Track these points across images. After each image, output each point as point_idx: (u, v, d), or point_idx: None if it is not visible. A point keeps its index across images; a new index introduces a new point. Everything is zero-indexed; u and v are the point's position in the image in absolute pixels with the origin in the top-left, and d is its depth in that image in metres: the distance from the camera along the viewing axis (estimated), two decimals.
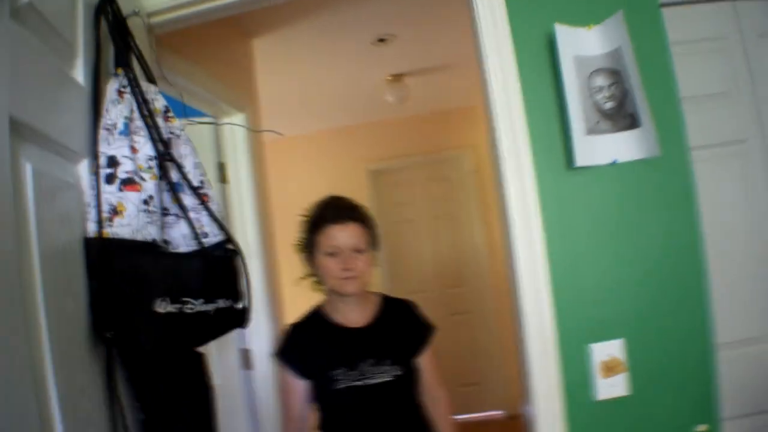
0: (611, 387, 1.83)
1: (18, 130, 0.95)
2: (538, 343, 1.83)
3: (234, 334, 2.62)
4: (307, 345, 1.90)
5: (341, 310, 1.91)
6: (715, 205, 1.99)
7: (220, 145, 2.84)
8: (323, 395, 1.85)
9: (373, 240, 1.90)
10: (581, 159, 1.69)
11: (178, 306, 1.16)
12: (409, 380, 1.90)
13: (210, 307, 1.23)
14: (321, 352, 1.87)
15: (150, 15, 1.81)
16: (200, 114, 2.81)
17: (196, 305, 1.19)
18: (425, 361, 1.97)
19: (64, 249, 1.06)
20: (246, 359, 2.76)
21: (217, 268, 1.29)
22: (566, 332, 1.83)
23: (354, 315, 1.91)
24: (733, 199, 2.09)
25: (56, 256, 1.03)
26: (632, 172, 1.79)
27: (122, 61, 1.33)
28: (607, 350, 1.83)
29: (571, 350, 1.84)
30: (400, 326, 1.95)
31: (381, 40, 3.71)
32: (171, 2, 1.83)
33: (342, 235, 1.80)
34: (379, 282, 5.25)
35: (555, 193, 1.81)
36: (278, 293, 3.08)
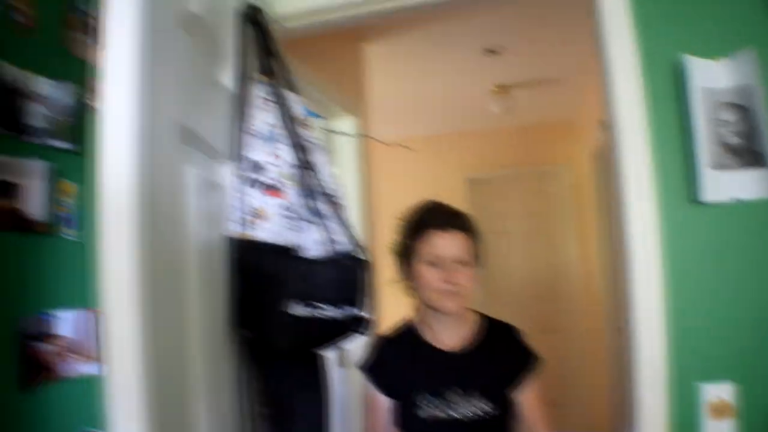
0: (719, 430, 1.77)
1: (183, 134, 1.01)
2: (648, 376, 1.78)
3: None
4: (394, 362, 1.71)
5: (434, 328, 1.70)
6: None
7: (328, 148, 2.90)
8: (405, 420, 1.65)
9: (478, 253, 1.69)
10: (707, 193, 1.64)
11: (309, 310, 1.20)
12: (502, 419, 1.66)
13: (338, 313, 1.26)
14: (407, 371, 1.68)
15: (284, 20, 1.87)
16: (313, 115, 2.87)
17: (326, 310, 1.22)
18: (527, 397, 1.71)
19: (211, 246, 1.12)
20: (342, 358, 2.81)
21: (346, 276, 1.33)
22: (677, 369, 1.78)
23: (448, 335, 1.70)
24: None
25: (205, 253, 1.08)
26: (756, 211, 1.72)
27: (266, 68, 1.38)
28: (716, 392, 1.77)
29: (678, 388, 1.78)
30: (499, 353, 1.70)
31: (490, 51, 3.71)
32: (305, 9, 1.88)
33: (447, 245, 1.60)
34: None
35: (676, 226, 1.75)
36: (377, 299, 3.12)
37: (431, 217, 1.67)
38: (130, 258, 0.81)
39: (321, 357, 1.42)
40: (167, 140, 0.96)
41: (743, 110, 1.65)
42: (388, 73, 3.92)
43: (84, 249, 1.58)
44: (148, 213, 0.85)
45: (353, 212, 2.87)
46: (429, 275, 1.59)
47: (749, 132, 1.65)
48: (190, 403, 0.98)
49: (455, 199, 5.29)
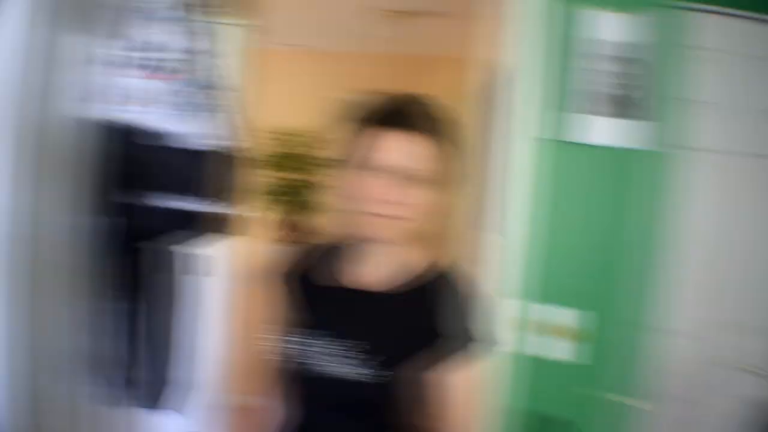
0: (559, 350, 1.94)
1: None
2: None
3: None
4: (307, 279, 1.26)
5: (352, 257, 1.24)
6: (692, 205, 2.04)
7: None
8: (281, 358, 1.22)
9: (450, 172, 1.18)
10: (576, 136, 1.76)
11: (169, 200, 1.16)
12: (386, 396, 1.14)
13: (201, 206, 1.23)
14: (311, 300, 1.24)
15: None
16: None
17: (188, 202, 1.19)
18: (446, 387, 1.15)
19: (79, 126, 1.03)
20: (206, 264, 2.75)
21: (217, 170, 1.28)
22: (528, 294, 1.91)
23: (370, 269, 1.22)
24: (709, 203, 2.14)
25: (71, 133, 1.00)
26: (621, 158, 1.86)
27: None
28: (560, 315, 1.93)
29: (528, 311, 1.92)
30: (426, 310, 1.18)
31: None
32: None
33: (394, 148, 1.11)
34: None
35: (545, 163, 1.85)
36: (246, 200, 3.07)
37: (384, 109, 1.18)
38: None
39: (180, 252, 1.38)
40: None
41: (629, 64, 1.75)
42: None
43: None
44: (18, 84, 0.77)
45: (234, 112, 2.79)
46: (358, 186, 1.12)
47: (632, 85, 1.76)
48: (42, 291, 0.93)
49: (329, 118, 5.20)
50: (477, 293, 1.22)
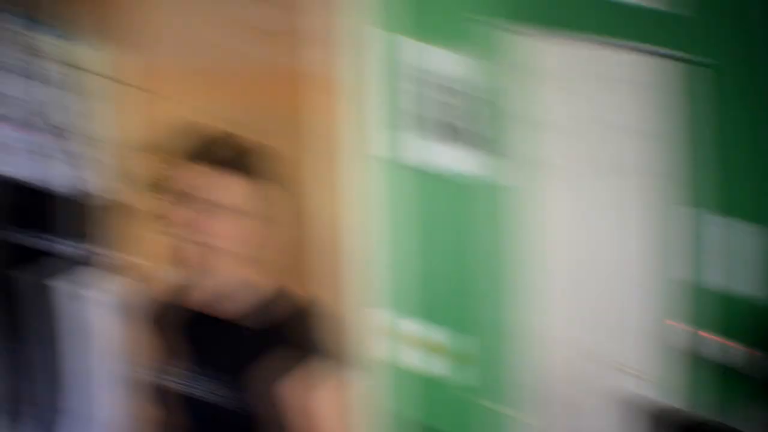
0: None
1: None
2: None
3: None
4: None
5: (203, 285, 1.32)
6: (544, 220, 2.17)
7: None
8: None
9: (266, 205, 1.27)
10: (407, 158, 1.87)
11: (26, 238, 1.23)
12: (247, 416, 1.21)
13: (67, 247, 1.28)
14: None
15: None
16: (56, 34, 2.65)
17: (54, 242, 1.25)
18: (308, 402, 1.20)
19: None
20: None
21: (81, 210, 1.36)
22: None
23: (217, 297, 1.31)
24: (558, 217, 2.28)
25: None
26: (447, 180, 1.94)
27: None
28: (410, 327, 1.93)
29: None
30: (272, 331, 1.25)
31: None
32: None
33: (205, 183, 1.20)
34: None
35: (377, 183, 1.89)
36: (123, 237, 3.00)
37: (196, 145, 1.25)
38: None
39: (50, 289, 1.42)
40: None
41: (456, 95, 1.87)
42: None
43: None
44: None
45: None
46: (177, 216, 1.20)
47: (457, 115, 1.88)
48: None
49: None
50: (322, 311, 1.28)
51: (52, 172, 1.34)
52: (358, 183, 1.84)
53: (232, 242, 1.22)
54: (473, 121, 1.89)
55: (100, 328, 2.41)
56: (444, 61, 1.88)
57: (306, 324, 1.25)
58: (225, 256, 1.22)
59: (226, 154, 1.23)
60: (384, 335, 1.88)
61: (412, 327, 1.91)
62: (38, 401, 1.34)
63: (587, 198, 2.30)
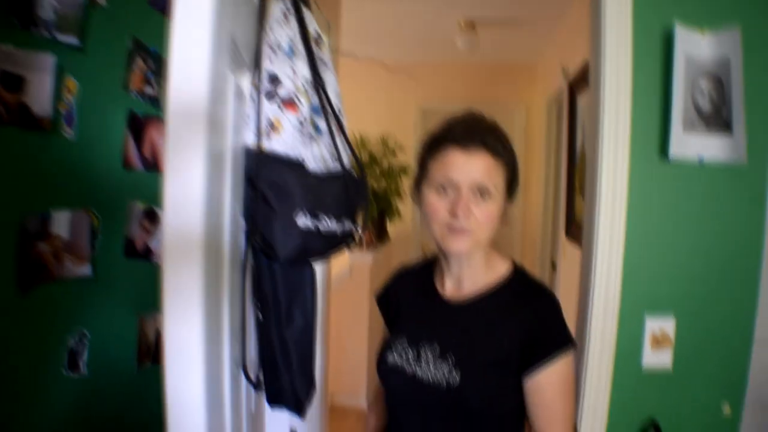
0: (657, 358, 1.97)
1: (232, 46, 1.03)
2: (601, 307, 1.94)
3: None
4: (399, 296, 1.53)
5: (444, 269, 1.42)
6: None
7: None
8: (379, 359, 1.44)
9: (509, 185, 1.34)
10: (675, 150, 1.80)
11: (315, 221, 1.25)
12: (474, 403, 1.26)
13: (339, 227, 1.32)
14: (404, 310, 1.50)
15: None
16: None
17: (328, 223, 1.28)
18: (539, 394, 1.27)
19: (237, 154, 1.15)
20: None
21: (348, 192, 1.37)
22: (628, 302, 1.96)
23: (454, 281, 1.41)
24: None
25: (236, 160, 1.12)
26: (715, 172, 1.90)
27: None
28: (659, 324, 1.97)
29: (628, 319, 1.96)
30: (510, 320, 1.30)
31: None
32: None
33: (463, 166, 1.27)
34: (410, 223, 5.41)
35: (644, 178, 1.91)
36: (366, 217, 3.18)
37: (451, 130, 1.33)
38: (197, 161, 0.85)
39: (313, 268, 1.48)
40: (225, 52, 0.99)
41: (719, 81, 1.80)
42: None
43: (80, 148, 1.58)
44: (211, 122, 0.89)
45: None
46: (436, 204, 1.30)
47: (721, 101, 1.80)
48: (220, 294, 1.04)
49: (406, 127, 5.38)
50: (555, 304, 1.32)
51: (313, 152, 1.40)
52: (619, 176, 1.88)
53: (483, 222, 1.29)
54: (730, 108, 1.79)
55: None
56: (709, 48, 1.82)
57: (537, 309, 1.31)
58: (476, 236, 1.30)
59: (488, 136, 1.30)
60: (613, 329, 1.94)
61: (653, 321, 1.96)
62: (299, 374, 1.41)
63: None
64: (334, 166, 1.42)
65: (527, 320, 1.28)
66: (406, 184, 5.29)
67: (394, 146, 4.73)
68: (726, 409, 1.98)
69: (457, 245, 1.29)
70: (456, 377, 1.25)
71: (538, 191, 5.16)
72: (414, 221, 5.47)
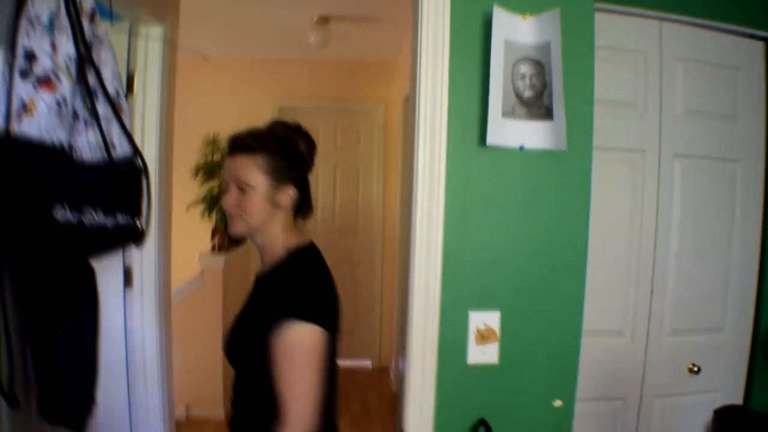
0: (483, 354, 1.96)
1: None
2: (422, 303, 1.91)
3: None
4: None
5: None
6: (604, 204, 2.14)
7: (131, 54, 2.70)
8: None
9: (277, 174, 1.53)
10: (493, 138, 1.76)
11: (77, 215, 1.13)
12: (247, 386, 1.53)
13: (109, 221, 1.20)
14: None
15: None
16: (115, 18, 2.65)
17: (95, 217, 1.16)
18: (273, 359, 1.40)
19: None
20: (127, 277, 2.70)
21: (121, 182, 1.26)
22: (449, 297, 1.93)
23: (261, 263, 1.62)
24: (621, 202, 2.27)
25: None
26: (537, 160, 1.89)
27: None
28: (483, 319, 1.95)
29: (451, 314, 1.94)
30: (267, 296, 1.52)
31: None
32: None
33: (228, 167, 1.53)
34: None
35: (463, 166, 1.87)
36: (169, 214, 3.02)
37: (229, 141, 1.57)
38: None
39: (91, 268, 1.35)
40: None
41: (541, 66, 1.78)
42: None
43: None
44: None
45: (153, 127, 2.74)
46: (223, 199, 1.54)
47: (542, 87, 1.78)
48: None
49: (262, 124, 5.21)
50: (303, 275, 1.50)
51: (84, 139, 1.27)
52: (440, 167, 1.85)
53: (245, 211, 1.50)
54: (548, 94, 1.79)
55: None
56: (529, 32, 1.80)
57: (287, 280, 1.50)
58: (244, 222, 1.53)
59: (245, 141, 1.53)
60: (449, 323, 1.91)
61: (477, 316, 1.94)
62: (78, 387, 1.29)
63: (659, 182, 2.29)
64: (112, 153, 1.30)
65: (277, 292, 1.45)
66: None
67: None
68: (557, 403, 1.99)
69: (231, 229, 1.54)
70: (233, 363, 1.52)
71: (396, 186, 5.20)
72: None
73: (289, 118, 4.78)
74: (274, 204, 1.54)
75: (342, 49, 4.95)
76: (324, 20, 4.24)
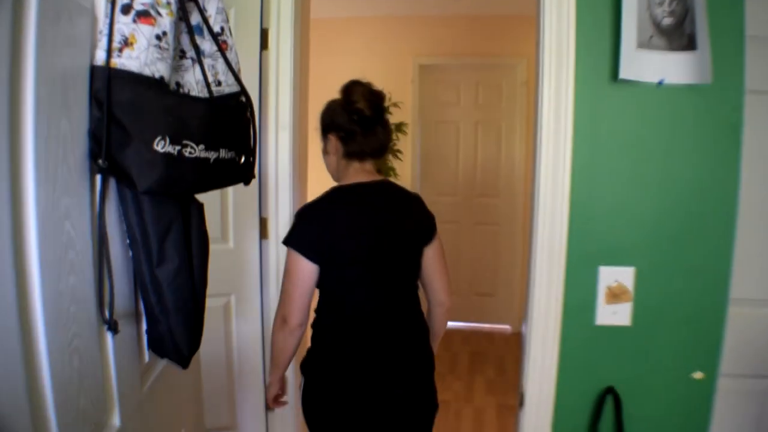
0: (613, 315, 1.81)
1: None
2: (545, 257, 1.79)
3: (253, 201, 2.65)
4: None
5: None
6: (758, 155, 1.85)
7: (264, 9, 2.74)
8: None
9: (322, 130, 1.97)
10: (626, 72, 1.59)
11: (177, 147, 1.13)
12: None
13: (211, 154, 1.20)
14: None
15: None
16: None
17: (195, 150, 1.16)
18: None
19: (65, 74, 1.03)
20: (263, 228, 2.78)
21: (222, 117, 1.25)
22: (577, 251, 1.79)
23: None
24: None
25: (56, 80, 0.99)
26: (679, 96, 1.69)
27: None
28: (615, 276, 1.79)
29: (578, 270, 1.80)
30: None
31: None
32: None
33: None
34: (409, 179, 5.27)
35: (593, 105, 1.72)
36: (304, 168, 3.07)
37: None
38: None
39: (200, 206, 1.36)
40: None
41: None
42: None
43: None
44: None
45: (284, 81, 2.78)
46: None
47: (683, 13, 1.58)
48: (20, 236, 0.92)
49: (404, 84, 5.20)
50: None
51: (189, 76, 1.28)
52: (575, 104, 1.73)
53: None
54: (693, 23, 1.58)
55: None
56: None
57: None
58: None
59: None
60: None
61: (608, 272, 1.81)
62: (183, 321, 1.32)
63: None
64: (216, 90, 1.29)
65: None
66: (403, 142, 5.12)
67: (388, 104, 4.57)
68: (697, 375, 1.81)
69: None
70: None
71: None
72: (414, 180, 5.32)
73: (430, 75, 4.75)
74: (325, 152, 1.98)
75: (480, 3, 4.77)
76: None
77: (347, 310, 1.82)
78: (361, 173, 1.87)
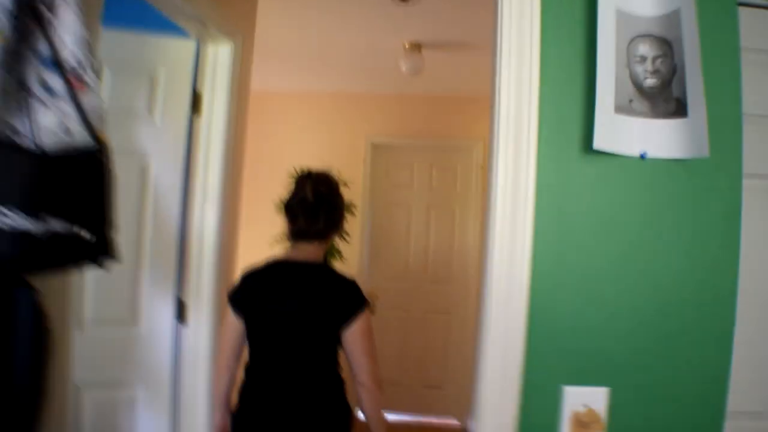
0: None
1: None
2: (497, 370, 1.48)
3: (170, 282, 2.31)
4: None
5: None
6: (755, 246, 1.58)
7: (199, 71, 2.51)
8: None
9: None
10: (602, 141, 1.34)
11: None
12: None
13: (37, 226, 0.86)
14: None
15: None
16: (181, 33, 2.46)
17: (12, 219, 0.83)
18: None
19: None
20: (181, 311, 2.43)
21: (59, 177, 0.92)
22: (536, 365, 1.48)
23: None
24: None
25: None
26: (665, 173, 1.44)
27: None
28: (584, 398, 1.48)
29: (537, 389, 1.48)
30: None
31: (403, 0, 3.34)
32: None
33: None
34: (357, 263, 4.99)
35: (559, 180, 1.45)
36: (233, 245, 2.75)
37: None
38: None
39: (29, 291, 1.02)
40: None
41: (667, 45, 1.35)
42: (291, 19, 3.55)
43: None
44: None
45: (214, 149, 2.50)
46: None
47: (670, 73, 1.36)
48: None
49: (356, 162, 4.99)
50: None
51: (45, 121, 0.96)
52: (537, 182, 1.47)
53: None
54: (683, 84, 1.37)
55: None
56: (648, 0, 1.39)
57: None
58: None
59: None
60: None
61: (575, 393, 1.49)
62: None
63: None
64: (62, 141, 0.97)
65: None
66: (351, 224, 4.87)
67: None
68: None
69: None
70: None
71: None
72: (362, 263, 5.05)
73: (383, 154, 4.58)
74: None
75: (436, 84, 4.70)
76: (416, 47, 3.95)
77: (251, 363, 2.04)
78: (295, 251, 2.06)
